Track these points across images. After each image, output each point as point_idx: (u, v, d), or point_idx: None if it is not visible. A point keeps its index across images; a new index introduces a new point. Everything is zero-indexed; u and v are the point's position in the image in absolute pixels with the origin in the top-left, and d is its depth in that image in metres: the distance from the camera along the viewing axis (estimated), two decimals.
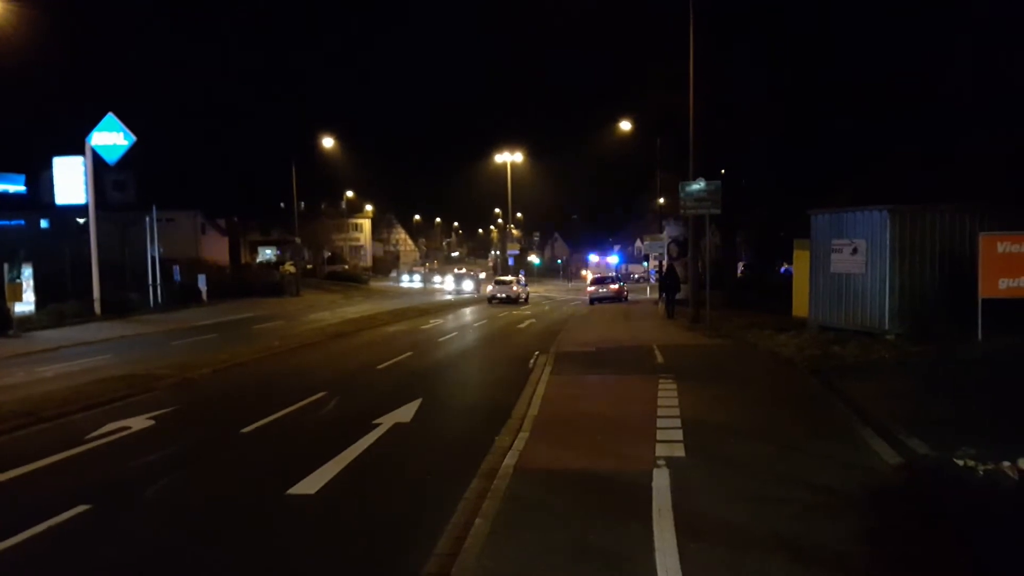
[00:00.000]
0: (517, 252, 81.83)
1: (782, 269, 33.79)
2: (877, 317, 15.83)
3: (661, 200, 42.68)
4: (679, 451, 7.91)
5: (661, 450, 7.94)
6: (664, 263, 32.56)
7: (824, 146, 25.22)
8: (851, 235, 16.49)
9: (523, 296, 43.35)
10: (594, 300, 38.73)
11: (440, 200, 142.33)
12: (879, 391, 10.49)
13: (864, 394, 10.37)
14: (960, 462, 6.94)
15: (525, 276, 59.10)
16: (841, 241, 16.73)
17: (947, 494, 6.47)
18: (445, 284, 68.22)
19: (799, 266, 20.77)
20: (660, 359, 15.15)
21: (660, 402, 10.47)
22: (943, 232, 15.55)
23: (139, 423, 10.46)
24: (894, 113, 22.30)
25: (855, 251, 16.31)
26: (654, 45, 28.30)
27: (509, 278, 47.28)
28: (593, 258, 79.66)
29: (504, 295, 41.93)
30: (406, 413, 10.76)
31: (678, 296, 26.44)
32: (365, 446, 8.95)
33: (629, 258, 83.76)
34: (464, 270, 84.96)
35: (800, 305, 19.97)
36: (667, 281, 27.07)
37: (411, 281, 73.25)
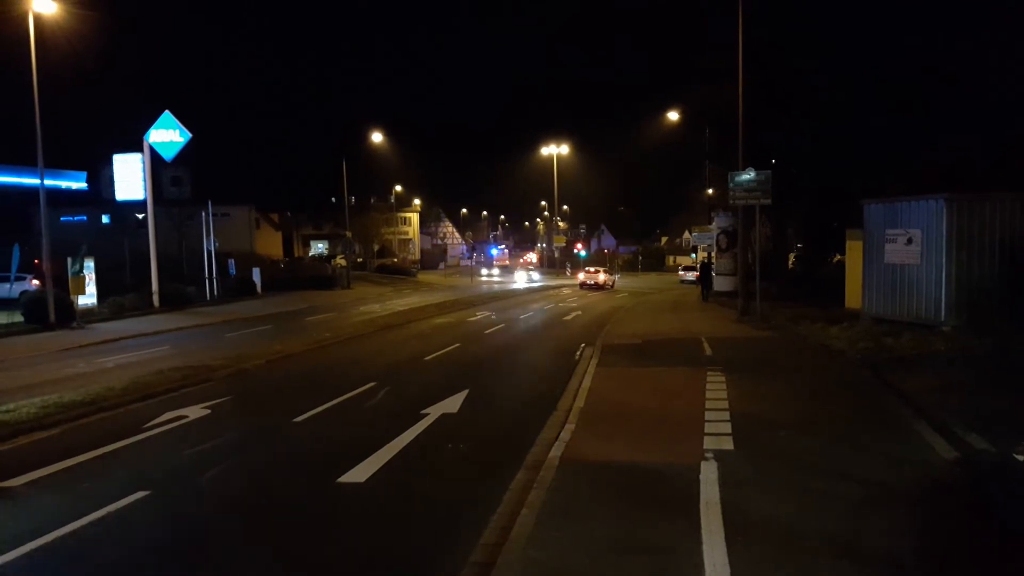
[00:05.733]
0: (563, 245, 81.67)
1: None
2: (932, 309, 15.44)
3: (710, 191, 42.14)
4: (727, 444, 7.84)
5: (709, 443, 7.89)
6: (713, 254, 35.94)
7: (876, 135, 24.63)
8: (906, 225, 16.10)
9: (610, 283, 49.80)
10: (683, 281, 50.52)
11: (487, 193, 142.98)
12: (934, 384, 10.25)
13: (919, 387, 10.14)
14: (1021, 458, 6.76)
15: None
16: (895, 231, 16.35)
17: (1006, 490, 6.31)
18: (494, 276, 68.73)
19: (852, 257, 20.37)
20: (708, 351, 15.01)
21: (708, 395, 10.39)
22: (1003, 221, 15.08)
23: (195, 412, 10.76)
24: (948, 101, 21.70)
25: (910, 241, 15.93)
26: (702, 34, 27.94)
27: (595, 268, 55.50)
28: (495, 251, 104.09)
29: (592, 282, 48.20)
30: (453, 404, 10.87)
31: (722, 288, 31.94)
32: (413, 436, 9.08)
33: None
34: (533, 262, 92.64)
35: (852, 297, 19.60)
36: (702, 273, 34.49)
37: (530, 280, 63.65)
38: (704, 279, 33.77)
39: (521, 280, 62.56)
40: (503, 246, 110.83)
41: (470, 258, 76.94)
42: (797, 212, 31.03)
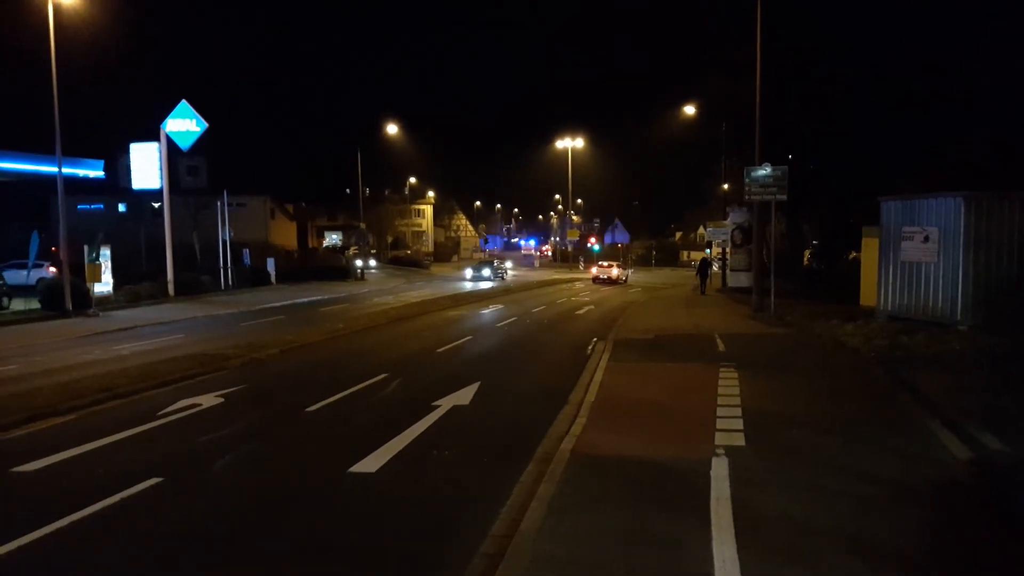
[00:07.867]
0: (577, 239, 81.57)
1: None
2: (949, 307, 15.32)
3: (725, 186, 41.98)
4: (739, 440, 7.82)
5: (721, 439, 7.86)
6: (727, 250, 36.09)
7: (895, 131, 24.48)
8: (923, 222, 15.97)
9: (623, 278, 49.60)
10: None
11: (501, 186, 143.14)
12: (949, 384, 10.18)
13: (933, 386, 10.07)
14: None
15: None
16: (912, 228, 16.22)
17: (1020, 491, 6.26)
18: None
19: (868, 254, 20.24)
20: (721, 347, 14.96)
21: (720, 391, 10.36)
22: (1021, 220, 14.93)
23: (209, 400, 10.83)
24: (967, 99, 21.52)
25: (927, 239, 15.80)
26: (719, 29, 27.88)
27: (609, 262, 55.56)
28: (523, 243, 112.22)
29: (606, 276, 48.28)
30: (464, 396, 10.89)
31: (736, 284, 33.06)
32: (424, 427, 9.10)
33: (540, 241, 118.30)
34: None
35: (868, 294, 19.47)
36: (701, 268, 37.10)
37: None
38: (702, 274, 36.15)
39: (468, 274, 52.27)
40: (517, 239, 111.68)
41: (485, 251, 76.57)
42: (813, 208, 30.88)
